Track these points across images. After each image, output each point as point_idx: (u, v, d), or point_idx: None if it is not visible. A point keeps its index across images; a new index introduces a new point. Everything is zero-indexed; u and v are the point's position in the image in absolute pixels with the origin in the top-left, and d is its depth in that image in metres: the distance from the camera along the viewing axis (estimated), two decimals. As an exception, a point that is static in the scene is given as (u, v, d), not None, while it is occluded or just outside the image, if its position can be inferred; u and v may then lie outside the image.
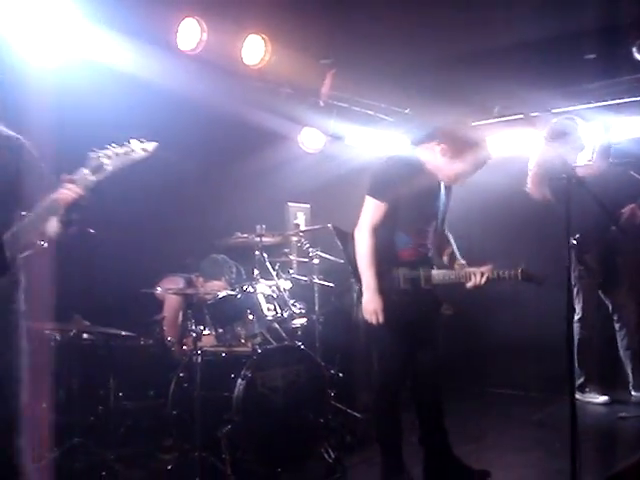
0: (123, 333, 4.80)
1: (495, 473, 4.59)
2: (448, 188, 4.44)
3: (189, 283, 5.40)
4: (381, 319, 4.12)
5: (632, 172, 6.14)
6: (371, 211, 4.22)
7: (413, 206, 4.21)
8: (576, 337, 6.28)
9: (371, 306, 4.15)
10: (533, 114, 7.30)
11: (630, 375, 6.45)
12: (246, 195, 6.50)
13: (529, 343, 6.94)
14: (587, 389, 6.41)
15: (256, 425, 4.47)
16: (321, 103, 6.92)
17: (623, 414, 5.85)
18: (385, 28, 6.36)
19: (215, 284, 5.36)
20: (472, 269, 4.22)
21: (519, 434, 5.65)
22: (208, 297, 4.98)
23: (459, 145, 4.18)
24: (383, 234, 4.21)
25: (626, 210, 6.18)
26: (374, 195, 4.22)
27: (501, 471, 4.72)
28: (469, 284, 4.20)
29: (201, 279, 5.46)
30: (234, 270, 5.48)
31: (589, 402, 6.34)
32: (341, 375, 5.45)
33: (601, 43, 6.47)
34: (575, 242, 6.11)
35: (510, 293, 6.86)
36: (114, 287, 5.43)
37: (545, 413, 6.18)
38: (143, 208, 5.89)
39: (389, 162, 4.33)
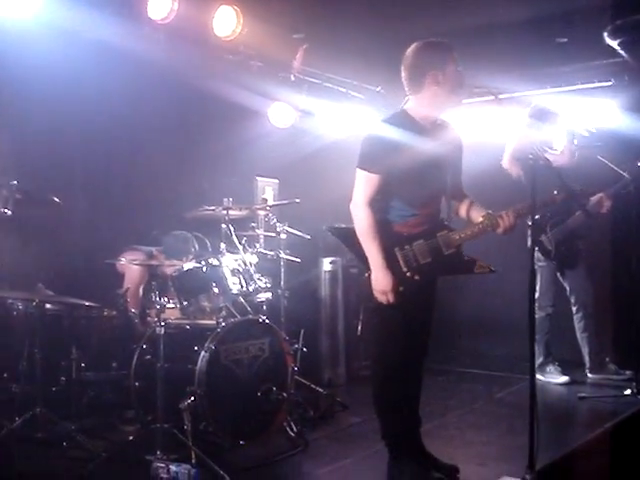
0: (86, 304, 4.75)
1: (455, 450, 4.66)
2: (457, 148, 4.13)
3: (150, 257, 5.34)
4: (392, 299, 3.80)
5: (600, 157, 6.19)
6: (363, 184, 3.86)
7: (412, 173, 3.84)
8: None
9: (381, 285, 3.80)
10: (502, 96, 7.32)
11: (586, 357, 6.57)
12: (215, 168, 6.45)
13: (495, 323, 7.03)
14: (547, 369, 6.51)
15: (219, 398, 4.45)
16: (292, 78, 6.88)
17: (582, 394, 5.95)
18: (359, 5, 6.34)
19: (176, 264, 5.32)
20: (500, 213, 3.95)
21: (482, 412, 5.74)
22: (171, 270, 4.93)
23: (442, 58, 3.88)
24: (383, 207, 3.91)
25: (594, 198, 6.29)
26: (365, 167, 3.86)
27: (461, 448, 4.80)
28: (500, 229, 3.94)
29: (162, 256, 5.39)
30: (196, 247, 5.41)
31: (549, 382, 6.44)
32: (305, 350, 5.46)
33: (573, 27, 6.51)
34: (530, 224, 6.25)
35: (475, 275, 6.91)
36: (79, 257, 5.39)
37: (507, 392, 6.28)
38: (111, 179, 5.85)
39: (378, 128, 3.92)
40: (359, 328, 6.90)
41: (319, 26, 6.44)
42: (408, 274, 3.89)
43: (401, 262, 3.89)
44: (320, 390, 5.65)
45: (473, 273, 4.02)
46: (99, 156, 5.72)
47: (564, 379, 6.44)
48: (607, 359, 6.63)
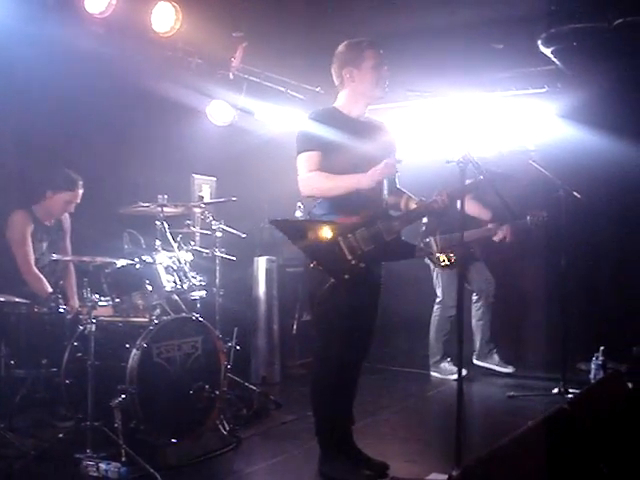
0: (16, 300, 4.68)
1: (386, 447, 4.72)
2: (390, 148, 4.23)
3: (32, 212, 5.34)
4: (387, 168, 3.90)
5: (531, 161, 6.31)
6: (305, 163, 3.99)
7: (344, 159, 3.96)
8: (435, 318, 6.87)
9: (370, 176, 3.89)
10: (437, 99, 7.44)
11: (477, 344, 6.94)
12: (151, 165, 6.39)
13: (428, 323, 7.10)
14: (442, 366, 6.85)
15: (150, 395, 4.42)
16: (231, 76, 6.87)
17: (511, 393, 6.08)
18: (298, 5, 6.37)
19: (68, 195, 5.38)
20: (433, 197, 4.03)
21: (413, 410, 5.84)
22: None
23: (357, 56, 4.07)
24: (325, 205, 4.02)
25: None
26: (302, 149, 4.01)
27: (392, 445, 4.88)
28: (434, 212, 4.11)
29: (49, 192, 5.36)
30: (79, 181, 5.42)
31: (446, 379, 6.70)
32: (239, 348, 5.46)
33: (509, 34, 6.64)
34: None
35: (411, 276, 7.05)
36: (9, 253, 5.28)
37: (438, 390, 6.39)
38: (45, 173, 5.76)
39: (308, 120, 4.08)
40: (294, 327, 6.97)
41: (259, 25, 6.44)
42: (353, 262, 3.91)
43: (346, 251, 3.92)
44: (253, 388, 5.66)
45: (414, 257, 4.18)
46: (33, 150, 5.63)
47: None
48: (495, 350, 6.93)
